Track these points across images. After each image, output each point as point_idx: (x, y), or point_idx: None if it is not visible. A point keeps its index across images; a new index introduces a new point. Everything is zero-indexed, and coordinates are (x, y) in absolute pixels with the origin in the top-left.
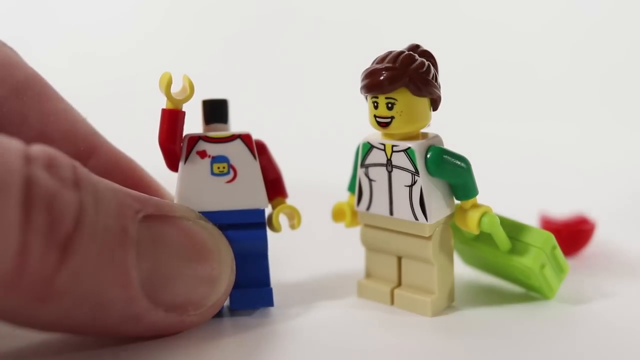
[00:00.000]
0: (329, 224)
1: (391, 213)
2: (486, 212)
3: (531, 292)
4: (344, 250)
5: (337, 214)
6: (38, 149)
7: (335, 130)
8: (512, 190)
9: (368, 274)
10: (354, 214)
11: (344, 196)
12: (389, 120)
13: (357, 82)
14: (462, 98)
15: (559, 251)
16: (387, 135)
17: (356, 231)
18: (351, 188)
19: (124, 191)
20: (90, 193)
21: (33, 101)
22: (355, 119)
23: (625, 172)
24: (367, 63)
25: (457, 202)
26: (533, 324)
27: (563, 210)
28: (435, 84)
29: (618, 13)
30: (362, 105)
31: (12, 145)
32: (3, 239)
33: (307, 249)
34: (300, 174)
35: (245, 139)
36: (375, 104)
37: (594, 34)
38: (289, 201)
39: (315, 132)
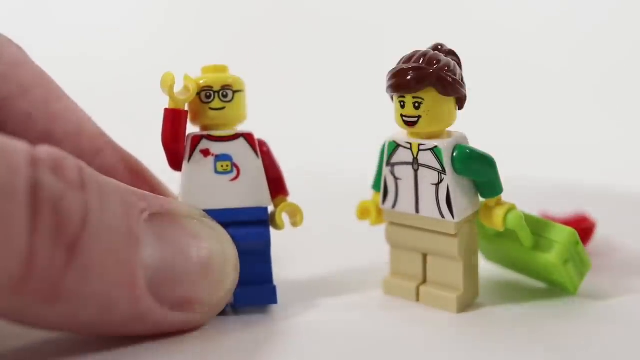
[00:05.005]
0: (330, 222)
1: (417, 211)
2: (511, 209)
3: (554, 287)
4: (346, 248)
5: (362, 212)
6: (44, 151)
7: (336, 129)
8: (511, 190)
9: (393, 272)
10: (379, 212)
11: (344, 194)
12: (416, 119)
13: (356, 82)
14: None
15: (581, 247)
16: (413, 134)
17: (357, 229)
18: (376, 186)
19: (129, 190)
20: (96, 194)
21: (40, 100)
22: (354, 118)
23: (625, 170)
24: (369, 62)
25: (481, 199)
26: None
27: (563, 208)
28: (461, 83)
29: (621, 12)
30: (361, 104)
31: (18, 147)
32: (10, 243)
33: (310, 246)
34: (300, 173)
35: (248, 137)
36: (402, 104)
37: (597, 32)
38: (290, 199)
39: (316, 131)
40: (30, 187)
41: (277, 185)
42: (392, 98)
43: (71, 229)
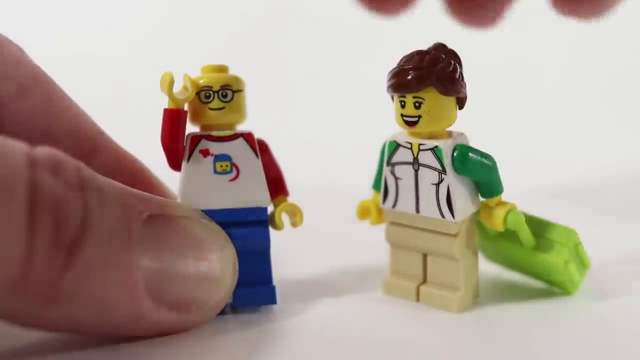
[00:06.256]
0: (330, 222)
1: (417, 211)
2: (511, 210)
3: (553, 287)
4: (346, 248)
5: (363, 212)
6: (43, 152)
7: (336, 129)
8: (512, 190)
9: (393, 272)
10: (380, 211)
11: (343, 194)
12: (416, 119)
13: (357, 81)
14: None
15: (581, 247)
16: (413, 134)
17: (357, 229)
18: (376, 186)
19: (128, 191)
20: (95, 195)
21: (39, 100)
22: (355, 118)
23: (626, 170)
24: (369, 61)
25: (482, 199)
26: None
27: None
28: (462, 83)
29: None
30: (361, 104)
31: (16, 148)
32: (9, 243)
33: (310, 247)
34: (300, 173)
35: (248, 137)
36: (403, 103)
37: (596, 33)
38: (290, 199)
39: (316, 131)
40: (29, 188)
41: (277, 185)
42: (392, 98)
43: (70, 230)
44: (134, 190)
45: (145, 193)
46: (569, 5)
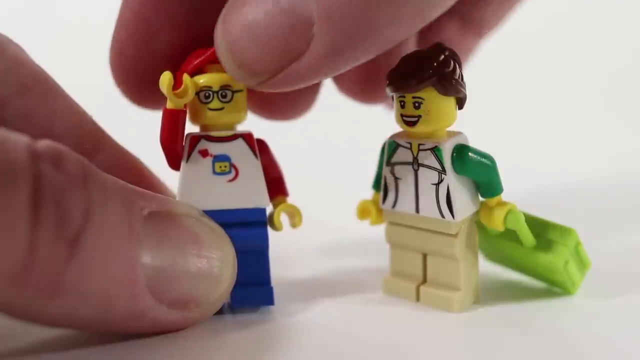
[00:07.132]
0: (330, 222)
1: (417, 211)
2: (511, 209)
3: (553, 287)
4: (346, 248)
5: (362, 212)
6: (45, 145)
7: (336, 129)
8: (512, 189)
9: (393, 272)
10: (379, 211)
11: (344, 194)
12: (416, 119)
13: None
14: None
15: (581, 247)
16: (413, 134)
17: (356, 230)
18: (375, 186)
19: (129, 188)
20: (98, 189)
21: (39, 98)
22: (355, 117)
23: (626, 170)
24: None
25: (482, 199)
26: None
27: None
28: (461, 83)
29: (621, 11)
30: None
31: (19, 141)
32: (12, 236)
33: (310, 246)
34: (300, 173)
35: (247, 138)
36: (402, 103)
37: (594, 34)
38: (290, 199)
39: (316, 131)
40: (32, 180)
41: (276, 186)
42: (392, 97)
43: (73, 223)
44: (135, 187)
45: (146, 190)
46: (356, 93)
